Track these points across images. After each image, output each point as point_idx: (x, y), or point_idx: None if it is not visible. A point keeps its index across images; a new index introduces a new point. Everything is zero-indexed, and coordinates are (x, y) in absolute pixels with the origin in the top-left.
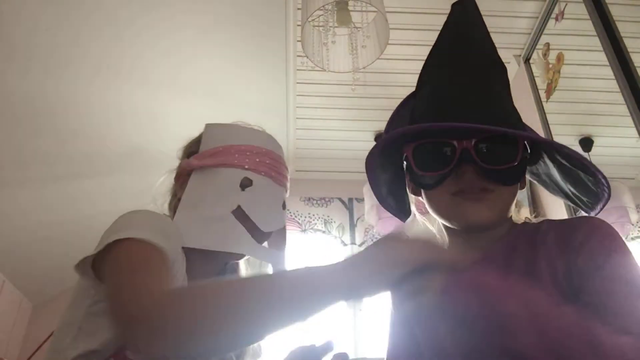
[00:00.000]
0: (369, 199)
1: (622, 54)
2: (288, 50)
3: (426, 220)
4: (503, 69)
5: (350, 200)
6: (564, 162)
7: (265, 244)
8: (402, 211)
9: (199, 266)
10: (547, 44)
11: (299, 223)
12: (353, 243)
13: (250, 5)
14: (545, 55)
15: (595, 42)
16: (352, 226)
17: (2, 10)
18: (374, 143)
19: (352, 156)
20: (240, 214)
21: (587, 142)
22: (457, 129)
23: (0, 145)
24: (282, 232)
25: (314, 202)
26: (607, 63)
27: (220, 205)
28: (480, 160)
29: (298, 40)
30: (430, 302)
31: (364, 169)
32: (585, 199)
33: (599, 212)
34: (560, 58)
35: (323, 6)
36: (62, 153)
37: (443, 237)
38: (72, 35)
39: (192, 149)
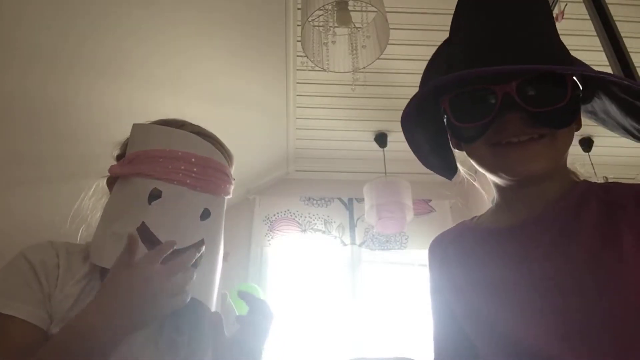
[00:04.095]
0: (369, 199)
1: (622, 54)
2: (288, 50)
3: (470, 176)
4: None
5: (350, 200)
6: (622, 95)
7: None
8: (446, 169)
9: None
10: None
11: (299, 223)
12: (353, 243)
13: (250, 5)
14: None
15: (595, 42)
16: (352, 226)
17: (3, 9)
18: (375, 143)
19: (352, 156)
20: (144, 231)
21: (587, 142)
22: (496, 73)
23: None
24: (200, 244)
25: (314, 202)
26: (607, 63)
27: (126, 221)
28: (525, 103)
29: (298, 40)
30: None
31: (364, 169)
32: None
33: None
34: None
35: (323, 6)
36: (60, 154)
37: (493, 195)
38: (75, 37)
39: (120, 151)
